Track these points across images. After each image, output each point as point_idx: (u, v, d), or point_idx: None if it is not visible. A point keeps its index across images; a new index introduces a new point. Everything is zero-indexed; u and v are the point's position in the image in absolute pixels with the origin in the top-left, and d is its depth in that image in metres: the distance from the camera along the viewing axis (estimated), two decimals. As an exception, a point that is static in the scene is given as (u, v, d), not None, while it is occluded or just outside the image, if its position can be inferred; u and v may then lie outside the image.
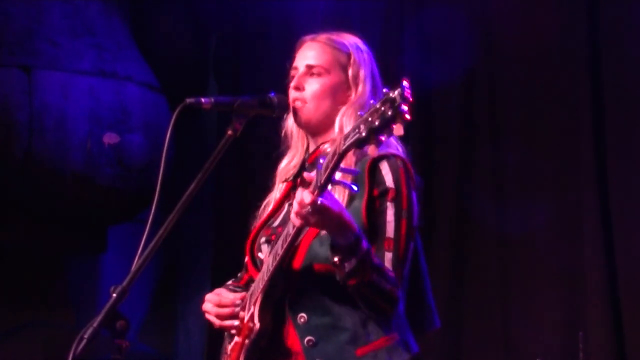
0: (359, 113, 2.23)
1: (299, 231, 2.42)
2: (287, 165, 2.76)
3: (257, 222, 2.76)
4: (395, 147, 2.58)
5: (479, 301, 4.78)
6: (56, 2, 5.28)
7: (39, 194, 5.17)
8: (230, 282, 2.85)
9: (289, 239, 2.43)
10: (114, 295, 2.29)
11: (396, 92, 2.13)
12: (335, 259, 2.38)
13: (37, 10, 5.21)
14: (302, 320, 2.50)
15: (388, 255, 2.47)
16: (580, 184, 4.58)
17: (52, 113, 5.11)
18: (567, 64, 4.70)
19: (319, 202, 2.29)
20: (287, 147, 2.78)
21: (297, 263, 2.50)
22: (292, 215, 2.36)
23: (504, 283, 4.73)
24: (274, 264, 2.47)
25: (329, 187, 2.34)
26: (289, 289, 2.52)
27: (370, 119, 2.15)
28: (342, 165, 2.29)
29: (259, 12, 5.60)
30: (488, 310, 4.74)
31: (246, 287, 2.74)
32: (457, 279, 4.80)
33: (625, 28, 4.54)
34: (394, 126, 2.12)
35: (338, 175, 2.33)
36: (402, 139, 2.58)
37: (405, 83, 2.12)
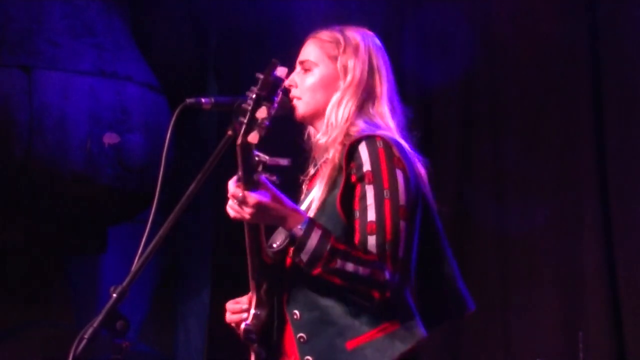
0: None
1: (250, 227, 2.43)
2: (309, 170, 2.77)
3: None
4: (381, 127, 2.56)
5: (479, 301, 4.77)
6: (56, 2, 5.28)
7: (39, 194, 5.17)
8: None
9: (246, 230, 2.44)
10: (114, 295, 2.29)
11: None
12: (290, 250, 2.38)
13: (37, 10, 5.21)
14: (295, 317, 2.49)
15: (371, 239, 2.40)
16: (580, 184, 4.59)
17: (52, 113, 5.11)
18: (567, 63, 4.70)
19: (240, 194, 2.31)
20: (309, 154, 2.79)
21: (289, 260, 2.49)
22: (227, 208, 2.38)
23: (504, 283, 4.73)
24: (249, 259, 2.49)
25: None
26: (283, 286, 2.51)
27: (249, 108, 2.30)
28: (261, 155, 2.33)
29: (259, 12, 5.60)
30: (488, 310, 4.74)
31: None
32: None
33: (624, 28, 4.55)
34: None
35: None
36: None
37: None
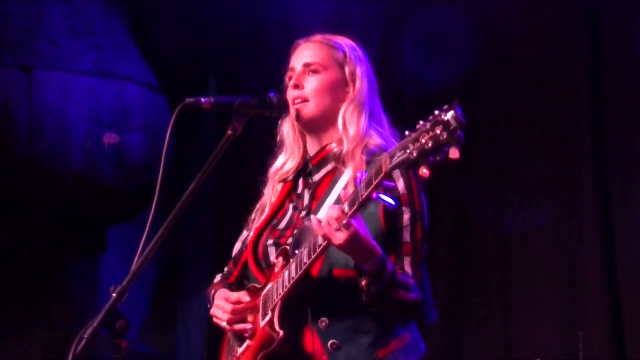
0: (401, 140, 2.21)
1: (325, 248, 2.41)
2: (282, 167, 2.76)
3: (258, 223, 2.75)
4: (388, 137, 2.61)
5: (479, 301, 4.78)
6: (56, 2, 5.28)
7: (39, 194, 5.17)
8: (219, 278, 2.85)
9: (319, 249, 2.41)
10: (114, 295, 2.29)
11: (450, 115, 2.11)
12: (363, 283, 2.40)
13: (37, 10, 5.21)
14: (323, 324, 2.51)
15: (407, 260, 2.51)
16: (580, 184, 4.58)
17: (52, 113, 5.11)
18: (567, 64, 4.70)
19: (345, 220, 2.30)
20: (280, 149, 2.79)
21: (316, 269, 2.50)
22: (317, 229, 2.35)
23: (504, 283, 4.73)
24: (300, 272, 2.46)
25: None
26: (307, 295, 2.52)
27: (422, 140, 2.14)
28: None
29: (259, 12, 5.60)
30: (488, 310, 4.74)
31: (238, 284, 2.75)
32: (457, 279, 4.80)
33: (625, 28, 4.54)
34: (449, 150, 2.12)
35: None
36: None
37: (458, 106, 2.09)
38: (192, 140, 5.63)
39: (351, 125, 2.60)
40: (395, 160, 2.19)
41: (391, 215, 2.50)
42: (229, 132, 2.54)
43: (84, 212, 5.39)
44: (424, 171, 2.15)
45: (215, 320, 2.68)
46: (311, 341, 2.52)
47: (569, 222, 4.61)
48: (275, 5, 5.51)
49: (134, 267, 2.35)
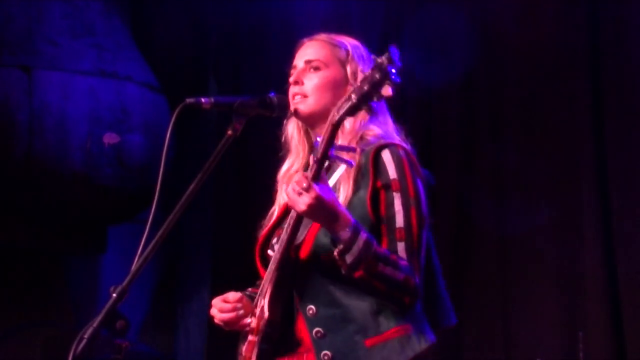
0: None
1: (296, 219, 2.42)
2: (288, 170, 2.77)
3: (266, 227, 2.75)
4: (397, 138, 2.59)
5: (479, 301, 4.79)
6: (56, 2, 5.28)
7: (39, 194, 5.17)
8: (249, 289, 2.85)
9: (292, 222, 2.42)
10: (114, 295, 2.29)
11: (384, 57, 2.19)
12: (335, 252, 2.37)
13: (37, 10, 5.21)
14: (310, 312, 2.50)
15: (401, 245, 2.45)
16: (580, 184, 4.59)
17: (52, 113, 5.11)
18: (567, 64, 4.70)
19: (304, 183, 2.30)
20: (287, 152, 2.79)
21: (304, 254, 2.50)
22: (284, 194, 2.38)
23: (504, 283, 4.74)
24: (280, 250, 2.47)
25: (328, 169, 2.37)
26: (297, 281, 2.52)
27: (361, 85, 2.21)
28: (339, 142, 2.32)
29: (259, 13, 5.60)
30: (488, 310, 4.74)
31: None
32: (457, 279, 4.80)
33: (625, 28, 4.55)
34: (382, 89, 2.16)
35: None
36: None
37: (393, 48, 2.15)
38: (192, 140, 5.64)
39: (347, 120, 2.61)
40: (341, 111, 2.24)
41: (379, 201, 2.48)
42: (229, 132, 2.54)
43: (84, 212, 5.39)
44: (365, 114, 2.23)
45: (215, 320, 2.69)
46: (300, 329, 2.51)
47: (569, 222, 4.61)
48: (275, 6, 5.52)
49: (134, 267, 2.35)
